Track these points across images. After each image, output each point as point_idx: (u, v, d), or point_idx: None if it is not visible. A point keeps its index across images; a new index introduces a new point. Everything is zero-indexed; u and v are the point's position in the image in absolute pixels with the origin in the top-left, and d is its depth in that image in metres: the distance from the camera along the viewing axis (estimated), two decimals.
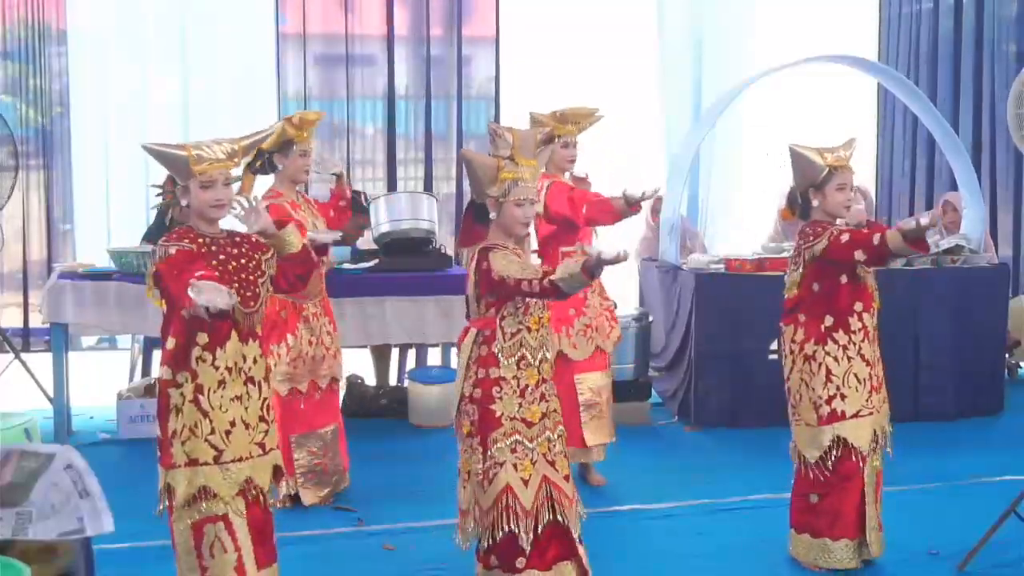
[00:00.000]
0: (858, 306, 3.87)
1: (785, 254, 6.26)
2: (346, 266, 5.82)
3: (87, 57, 7.60)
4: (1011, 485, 4.60)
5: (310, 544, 4.29)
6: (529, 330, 3.42)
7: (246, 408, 3.24)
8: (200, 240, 3.21)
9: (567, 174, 5.00)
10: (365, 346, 6.38)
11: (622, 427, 5.99)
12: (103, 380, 6.69)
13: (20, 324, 7.55)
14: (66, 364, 5.80)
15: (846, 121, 8.58)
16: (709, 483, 5.12)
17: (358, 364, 6.78)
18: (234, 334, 3.20)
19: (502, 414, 3.38)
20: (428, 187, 7.85)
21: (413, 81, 7.98)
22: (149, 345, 6.36)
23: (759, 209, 7.95)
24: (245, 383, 3.24)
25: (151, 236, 6.25)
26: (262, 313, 3.31)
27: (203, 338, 3.17)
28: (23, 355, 6.64)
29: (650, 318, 6.51)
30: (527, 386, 3.41)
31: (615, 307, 5.22)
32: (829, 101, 8.23)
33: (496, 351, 3.40)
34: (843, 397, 3.87)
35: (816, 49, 7.27)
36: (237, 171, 3.34)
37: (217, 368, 3.19)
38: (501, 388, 3.39)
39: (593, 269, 3.19)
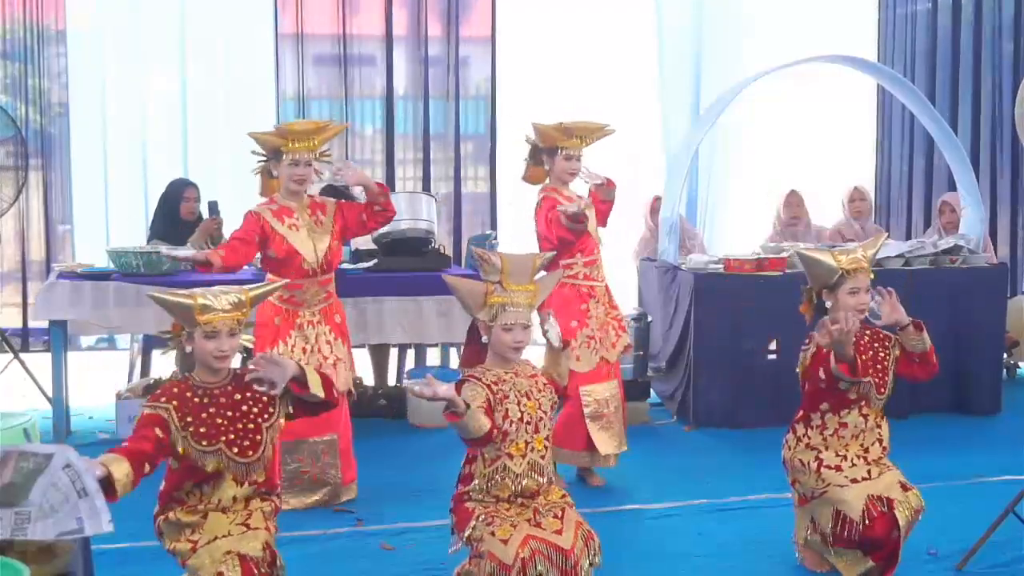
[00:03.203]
0: (824, 405, 3.84)
1: (784, 254, 6.27)
2: (345, 266, 5.81)
3: (86, 57, 7.60)
4: (1010, 485, 4.61)
5: (310, 544, 4.28)
6: (511, 456, 3.29)
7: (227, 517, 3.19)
8: (190, 392, 3.12)
9: (569, 186, 5.00)
10: (364, 346, 6.38)
11: None
12: (102, 380, 6.69)
13: (19, 324, 7.55)
14: (65, 364, 5.79)
15: (845, 121, 8.62)
16: (709, 483, 5.12)
17: (357, 364, 6.77)
18: (229, 476, 3.15)
19: (474, 508, 3.30)
20: (426, 187, 7.85)
21: (411, 81, 7.99)
22: (148, 345, 6.36)
23: (758, 209, 7.95)
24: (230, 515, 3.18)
25: (158, 233, 6.26)
26: (266, 460, 3.20)
27: (188, 484, 3.16)
28: (22, 355, 6.64)
29: (649, 318, 6.52)
30: (499, 496, 3.31)
31: (622, 318, 5.17)
32: (829, 101, 8.24)
33: (475, 472, 3.32)
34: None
35: (815, 49, 7.27)
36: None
37: (209, 503, 3.16)
38: (475, 500, 3.32)
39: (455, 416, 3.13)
